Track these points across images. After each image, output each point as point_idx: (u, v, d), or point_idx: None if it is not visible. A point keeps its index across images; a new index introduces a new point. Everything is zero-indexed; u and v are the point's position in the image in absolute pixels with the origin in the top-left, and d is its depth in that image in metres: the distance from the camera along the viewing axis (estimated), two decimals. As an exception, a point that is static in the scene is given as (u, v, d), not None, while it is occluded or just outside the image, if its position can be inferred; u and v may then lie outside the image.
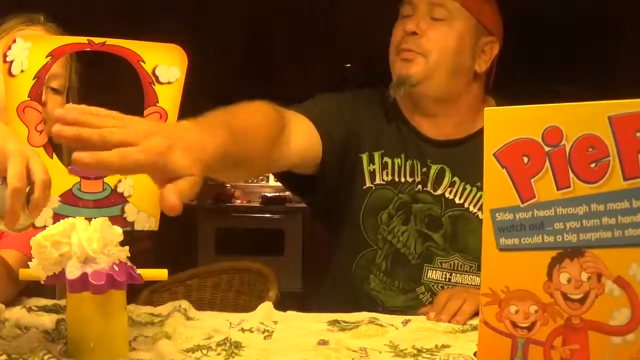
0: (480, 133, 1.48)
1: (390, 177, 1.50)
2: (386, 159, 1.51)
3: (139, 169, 0.86)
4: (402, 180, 1.50)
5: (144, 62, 1.10)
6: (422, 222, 1.48)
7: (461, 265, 1.47)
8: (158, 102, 1.12)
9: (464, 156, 1.47)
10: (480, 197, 1.45)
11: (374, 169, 1.51)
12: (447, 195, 1.48)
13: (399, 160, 1.50)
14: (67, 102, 1.43)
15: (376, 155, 1.51)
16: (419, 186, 1.49)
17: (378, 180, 1.50)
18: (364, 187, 1.50)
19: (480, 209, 1.44)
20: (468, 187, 1.47)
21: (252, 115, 1.19)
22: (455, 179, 1.48)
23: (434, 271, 1.48)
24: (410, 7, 1.48)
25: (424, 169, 1.49)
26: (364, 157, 1.51)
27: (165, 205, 0.84)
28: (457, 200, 1.47)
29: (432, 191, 1.48)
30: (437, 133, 1.51)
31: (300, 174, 1.46)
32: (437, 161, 1.49)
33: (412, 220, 1.49)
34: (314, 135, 1.43)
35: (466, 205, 1.47)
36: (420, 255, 1.48)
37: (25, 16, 1.41)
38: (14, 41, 1.04)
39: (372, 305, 1.43)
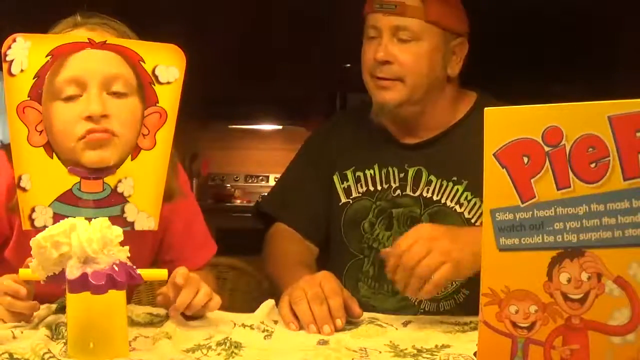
0: (454, 128, 1.50)
1: (365, 188, 1.55)
2: (358, 173, 1.55)
3: None
4: (378, 188, 1.53)
5: (144, 62, 1.10)
6: (404, 225, 1.50)
7: None
8: (158, 102, 1.12)
9: (439, 154, 1.50)
10: (457, 191, 1.47)
11: (348, 186, 1.56)
12: (425, 194, 1.50)
13: (372, 171, 1.54)
14: (143, 103, 1.13)
15: (348, 172, 1.56)
16: (398, 191, 1.52)
17: (354, 194, 1.56)
18: (340, 204, 1.56)
19: (457, 202, 1.47)
20: (445, 183, 1.48)
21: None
22: (432, 177, 1.49)
23: None
24: (375, 30, 1.46)
25: (402, 174, 1.52)
26: (335, 178, 1.57)
27: None
28: (435, 198, 1.49)
29: (411, 193, 1.51)
30: (413, 138, 1.53)
31: None
32: (413, 164, 1.51)
33: (395, 225, 1.52)
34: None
35: (443, 200, 1.48)
36: None
37: (66, 22, 1.21)
38: (14, 40, 1.04)
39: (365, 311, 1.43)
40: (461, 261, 1.18)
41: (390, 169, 1.53)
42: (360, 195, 1.55)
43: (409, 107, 1.47)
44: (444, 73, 1.48)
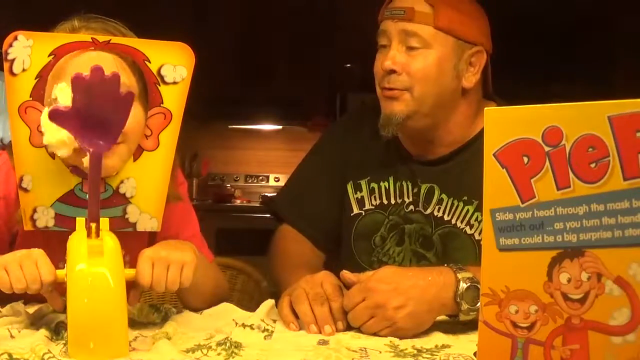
0: (469, 144, 1.47)
1: (378, 201, 1.52)
2: (373, 184, 1.53)
3: None
4: (392, 202, 1.51)
5: (150, 62, 1.08)
6: (416, 242, 1.49)
7: None
8: (162, 103, 1.11)
9: (452, 172, 1.46)
10: (467, 211, 1.44)
11: (362, 196, 1.54)
12: (435, 213, 1.47)
13: (386, 183, 1.52)
14: (146, 108, 1.14)
15: (363, 182, 1.54)
16: (411, 207, 1.49)
17: (368, 206, 1.54)
18: (352, 215, 1.54)
19: (468, 223, 1.44)
20: (455, 202, 1.45)
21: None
22: (443, 195, 1.46)
23: None
24: (385, 38, 1.42)
25: (415, 190, 1.49)
26: (349, 187, 1.55)
27: None
28: (445, 218, 1.46)
29: (423, 210, 1.48)
30: (428, 154, 1.50)
31: None
32: (426, 180, 1.48)
33: (406, 241, 1.50)
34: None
35: (453, 221, 1.45)
36: None
37: (63, 27, 1.16)
38: (15, 38, 1.02)
39: None
40: (413, 314, 1.14)
41: (404, 182, 1.50)
42: (373, 207, 1.52)
43: (419, 120, 1.42)
44: (456, 84, 1.42)
